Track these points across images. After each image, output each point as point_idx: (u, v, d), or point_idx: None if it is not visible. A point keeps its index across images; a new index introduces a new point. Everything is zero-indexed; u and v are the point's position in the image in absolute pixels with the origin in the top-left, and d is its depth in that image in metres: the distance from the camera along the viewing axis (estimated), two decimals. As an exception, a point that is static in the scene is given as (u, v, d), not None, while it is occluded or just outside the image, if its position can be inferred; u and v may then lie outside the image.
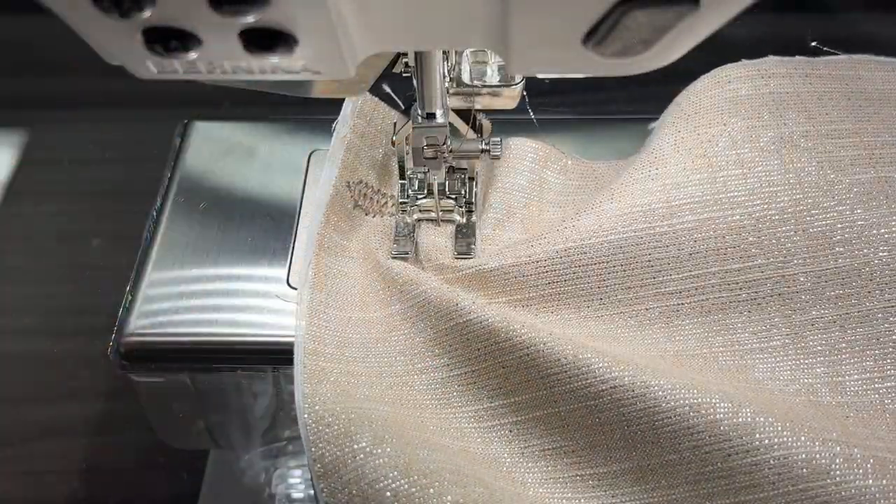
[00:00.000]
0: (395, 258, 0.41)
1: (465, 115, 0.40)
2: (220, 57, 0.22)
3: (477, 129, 0.41)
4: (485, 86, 0.40)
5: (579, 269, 0.39)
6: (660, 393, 0.35)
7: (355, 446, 0.33)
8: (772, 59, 0.45)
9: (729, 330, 0.39)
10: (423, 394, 0.38)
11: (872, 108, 0.44)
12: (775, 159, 0.41)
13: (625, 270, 0.39)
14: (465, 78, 0.40)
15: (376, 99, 0.45)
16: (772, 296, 0.39)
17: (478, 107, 0.40)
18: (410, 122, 0.38)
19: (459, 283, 0.40)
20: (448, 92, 0.39)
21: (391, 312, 0.40)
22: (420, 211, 0.43)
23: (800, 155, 0.41)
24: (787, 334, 0.39)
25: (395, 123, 0.40)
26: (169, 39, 0.21)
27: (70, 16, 0.21)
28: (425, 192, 0.43)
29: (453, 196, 0.43)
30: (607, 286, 0.40)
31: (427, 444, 0.35)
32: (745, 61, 0.44)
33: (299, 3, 0.20)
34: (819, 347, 0.39)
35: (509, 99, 0.41)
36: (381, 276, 0.41)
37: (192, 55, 0.22)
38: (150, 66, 0.23)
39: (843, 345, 0.39)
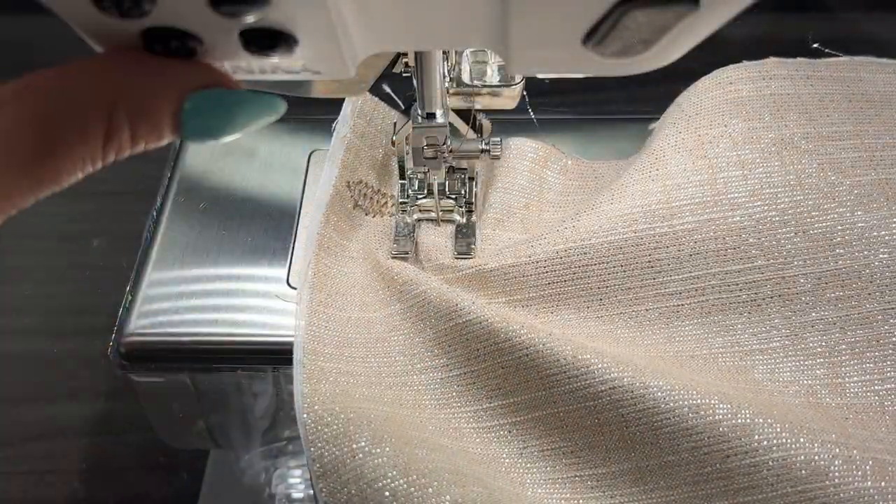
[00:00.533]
0: (395, 258, 0.41)
1: (465, 115, 0.40)
2: (220, 57, 0.23)
3: (477, 129, 0.41)
4: (485, 86, 0.40)
5: (579, 270, 0.39)
6: (659, 394, 0.35)
7: (354, 446, 0.33)
8: (773, 60, 0.45)
9: (729, 331, 0.39)
10: (423, 394, 0.38)
11: (874, 111, 0.44)
12: (776, 161, 0.41)
13: (625, 271, 0.39)
14: (465, 78, 0.40)
15: (376, 99, 0.45)
16: (772, 297, 0.39)
17: (478, 107, 0.40)
18: (410, 122, 0.38)
19: (459, 283, 0.40)
20: (448, 92, 0.39)
21: (391, 312, 0.40)
22: (420, 211, 0.43)
23: (800, 157, 0.41)
24: (787, 335, 0.39)
25: (395, 123, 0.40)
26: (169, 39, 0.21)
27: (70, 16, 0.21)
28: (425, 192, 0.43)
29: (453, 196, 0.43)
30: (607, 287, 0.39)
31: (426, 443, 0.35)
32: (746, 63, 0.44)
33: (299, 3, 0.20)
34: (819, 349, 0.39)
35: (509, 99, 0.41)
36: (380, 276, 0.41)
37: (193, 55, 0.22)
38: None
39: (843, 346, 0.39)
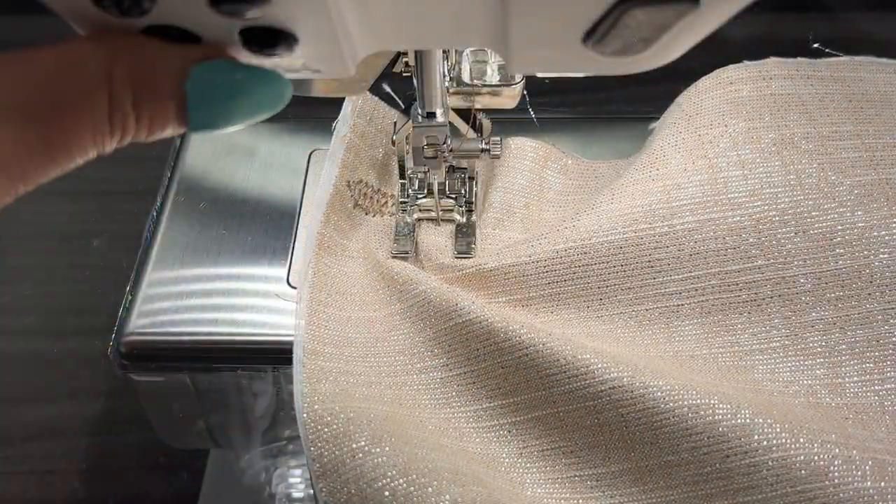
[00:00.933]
0: (395, 257, 0.41)
1: (465, 114, 0.40)
2: (220, 56, 0.22)
3: (477, 128, 0.41)
4: (485, 85, 0.40)
5: (580, 269, 0.39)
6: (659, 394, 0.35)
7: (354, 445, 0.33)
8: (773, 60, 0.45)
9: (729, 331, 0.39)
10: (423, 393, 0.38)
11: (874, 110, 0.44)
12: (776, 161, 0.41)
13: (625, 271, 0.39)
14: (465, 77, 0.40)
15: (376, 98, 0.45)
16: (772, 297, 0.39)
17: (478, 106, 0.40)
18: (410, 121, 0.38)
19: (459, 282, 0.40)
20: (448, 91, 0.39)
21: (391, 312, 0.40)
22: (420, 210, 0.43)
23: (801, 156, 0.41)
24: (787, 335, 0.39)
25: (395, 123, 0.40)
26: (169, 38, 0.21)
27: (70, 14, 0.21)
28: (425, 191, 0.43)
29: (453, 195, 0.43)
30: (608, 286, 0.39)
31: (426, 443, 0.35)
32: (746, 62, 0.44)
33: (299, 1, 0.20)
34: (819, 349, 0.39)
35: (509, 98, 0.41)
36: (380, 276, 0.41)
37: None
38: None
39: (843, 346, 0.39)
